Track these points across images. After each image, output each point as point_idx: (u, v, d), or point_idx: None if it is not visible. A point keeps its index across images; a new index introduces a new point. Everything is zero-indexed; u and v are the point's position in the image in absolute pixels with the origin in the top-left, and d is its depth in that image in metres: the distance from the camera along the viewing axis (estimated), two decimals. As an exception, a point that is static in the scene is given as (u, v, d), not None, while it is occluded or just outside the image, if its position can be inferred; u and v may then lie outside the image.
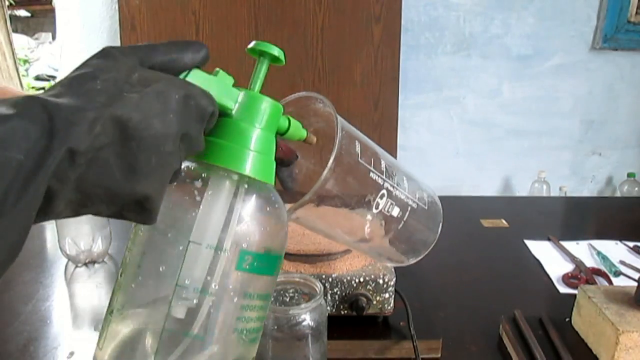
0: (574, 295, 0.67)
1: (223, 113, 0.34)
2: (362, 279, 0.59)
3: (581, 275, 0.82)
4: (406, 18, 1.91)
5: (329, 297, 0.60)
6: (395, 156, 1.91)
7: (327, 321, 0.51)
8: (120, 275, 0.35)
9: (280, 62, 0.37)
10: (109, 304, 0.35)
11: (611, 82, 2.14)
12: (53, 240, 0.92)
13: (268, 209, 0.36)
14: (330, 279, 0.60)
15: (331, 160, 0.43)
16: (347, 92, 1.88)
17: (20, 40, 4.44)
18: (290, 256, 0.62)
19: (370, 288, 0.60)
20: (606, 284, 0.81)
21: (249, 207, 0.35)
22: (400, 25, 1.84)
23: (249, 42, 0.38)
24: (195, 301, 0.33)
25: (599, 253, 0.89)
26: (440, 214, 0.57)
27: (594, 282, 0.80)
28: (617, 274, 0.83)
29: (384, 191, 0.49)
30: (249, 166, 0.34)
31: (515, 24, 2.04)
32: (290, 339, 0.49)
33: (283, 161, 0.52)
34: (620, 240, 0.95)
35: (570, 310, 0.67)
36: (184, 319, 0.33)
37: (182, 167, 0.32)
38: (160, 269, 0.34)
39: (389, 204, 0.50)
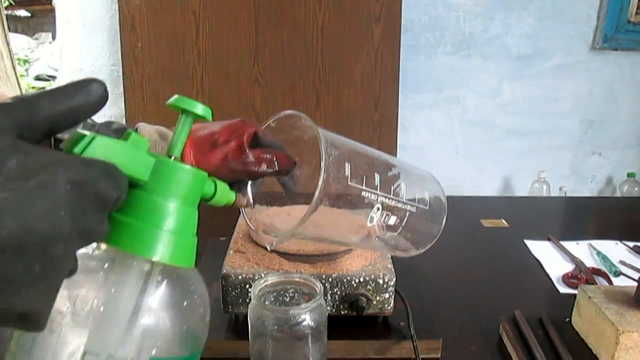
0: (574, 295, 0.67)
1: (134, 184, 0.29)
2: (362, 279, 0.59)
3: (581, 275, 0.82)
4: (406, 18, 1.91)
5: (329, 297, 0.60)
6: (394, 156, 1.91)
7: (327, 321, 0.51)
8: None
9: (207, 119, 0.32)
10: None
11: (611, 82, 2.14)
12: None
13: (185, 301, 0.31)
14: (330, 279, 0.60)
15: (316, 197, 0.42)
16: (347, 92, 1.88)
17: (20, 40, 4.44)
18: (290, 256, 0.62)
19: (370, 288, 0.60)
20: (606, 284, 0.81)
21: (161, 301, 0.30)
22: (400, 25, 1.84)
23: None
24: None
25: (599, 253, 0.89)
26: (444, 209, 0.58)
27: (594, 282, 0.80)
28: (617, 274, 0.83)
29: (378, 205, 0.49)
30: (162, 251, 0.29)
31: (515, 24, 2.03)
32: (290, 339, 0.49)
33: (281, 172, 0.52)
34: (620, 240, 0.95)
35: (570, 310, 0.67)
36: None
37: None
38: None
39: (384, 215, 0.50)
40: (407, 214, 0.52)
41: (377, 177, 0.50)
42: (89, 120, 0.56)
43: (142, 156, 0.29)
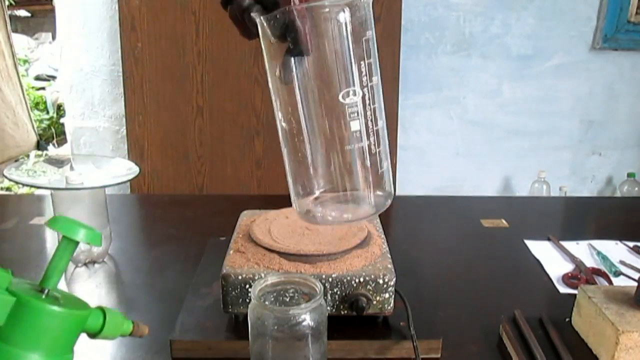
0: (574, 295, 0.67)
1: None
2: (362, 279, 0.60)
3: (581, 275, 0.82)
4: (406, 18, 1.91)
5: (329, 297, 0.60)
6: (395, 156, 1.91)
7: (327, 321, 0.51)
8: None
9: (94, 244, 0.26)
10: None
11: (611, 82, 2.14)
12: (53, 240, 0.92)
13: None
14: (330, 279, 0.60)
15: None
16: (347, 92, 1.87)
17: (20, 40, 4.44)
18: (290, 256, 0.62)
19: (370, 288, 0.60)
20: (606, 284, 0.81)
21: None
22: (400, 25, 1.84)
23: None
24: None
25: (599, 253, 0.89)
26: (388, 197, 0.53)
27: (594, 282, 0.80)
28: (617, 274, 0.83)
29: (359, 92, 0.47)
30: None
31: (515, 24, 2.03)
32: (290, 339, 0.49)
33: (298, 38, 0.46)
34: (620, 240, 0.95)
35: (570, 310, 0.67)
36: None
37: None
38: None
39: (353, 110, 0.47)
40: (367, 143, 0.49)
41: (380, 83, 0.47)
42: None
43: None
